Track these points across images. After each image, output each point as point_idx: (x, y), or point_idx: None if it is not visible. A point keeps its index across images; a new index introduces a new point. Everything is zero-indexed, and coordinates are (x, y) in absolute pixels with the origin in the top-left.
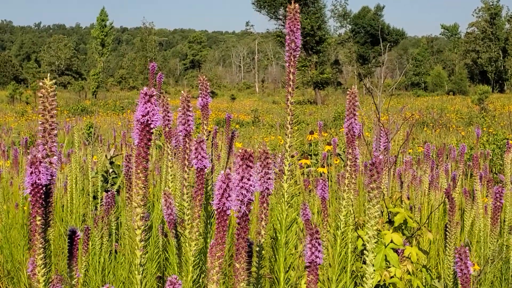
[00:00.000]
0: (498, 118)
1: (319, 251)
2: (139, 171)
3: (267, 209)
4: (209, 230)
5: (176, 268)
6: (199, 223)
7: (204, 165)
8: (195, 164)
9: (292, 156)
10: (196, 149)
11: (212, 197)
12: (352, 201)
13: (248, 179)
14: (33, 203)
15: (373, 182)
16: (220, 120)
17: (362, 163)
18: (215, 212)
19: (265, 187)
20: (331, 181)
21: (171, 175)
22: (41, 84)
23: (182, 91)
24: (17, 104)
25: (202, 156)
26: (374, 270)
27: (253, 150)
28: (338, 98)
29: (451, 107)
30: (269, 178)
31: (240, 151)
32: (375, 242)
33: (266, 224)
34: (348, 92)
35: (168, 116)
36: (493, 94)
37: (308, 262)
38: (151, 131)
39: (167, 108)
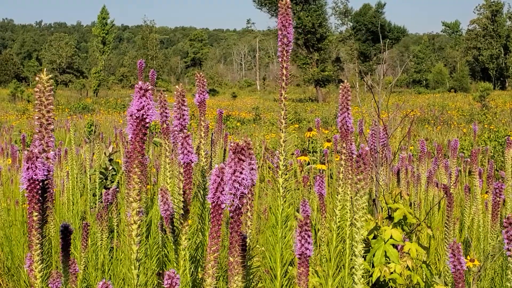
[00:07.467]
0: (500, 115)
1: (308, 243)
2: (134, 165)
3: (252, 200)
4: (207, 225)
5: (175, 263)
6: (193, 218)
7: (190, 159)
8: (181, 159)
9: (292, 154)
10: (182, 143)
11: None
12: (349, 196)
13: (241, 172)
14: (29, 199)
15: (360, 174)
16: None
17: None
18: (210, 206)
19: None
20: (331, 178)
21: (169, 171)
22: (37, 79)
23: (177, 86)
24: (19, 102)
25: (188, 151)
26: (373, 265)
27: (243, 143)
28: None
29: (452, 104)
30: (252, 169)
31: (232, 144)
32: (374, 238)
33: (252, 215)
34: (340, 86)
35: (166, 113)
36: (495, 91)
37: (298, 254)
38: (147, 125)
39: (165, 104)
